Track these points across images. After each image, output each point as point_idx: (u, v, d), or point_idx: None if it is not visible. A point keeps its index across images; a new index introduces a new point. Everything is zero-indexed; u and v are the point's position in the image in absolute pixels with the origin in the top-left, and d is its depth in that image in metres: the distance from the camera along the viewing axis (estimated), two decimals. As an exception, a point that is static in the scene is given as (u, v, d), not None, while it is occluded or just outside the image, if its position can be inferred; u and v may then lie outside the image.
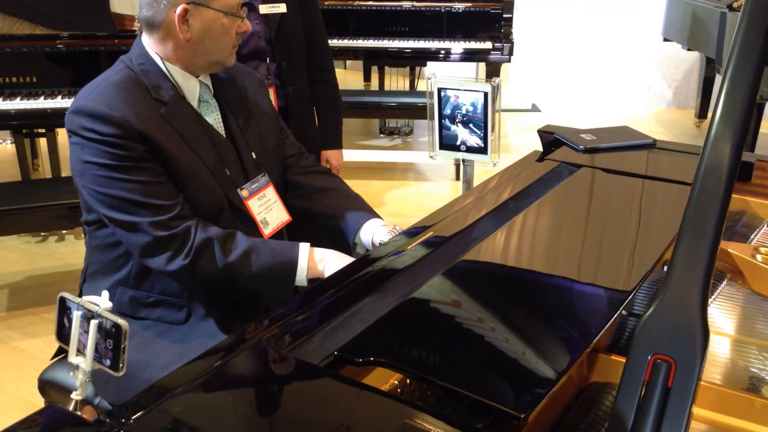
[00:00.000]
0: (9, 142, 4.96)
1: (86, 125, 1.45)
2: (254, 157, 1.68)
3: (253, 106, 1.74)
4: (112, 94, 1.47)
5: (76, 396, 1.01)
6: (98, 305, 1.00)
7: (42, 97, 3.12)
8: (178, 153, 1.51)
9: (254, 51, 2.51)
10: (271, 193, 1.69)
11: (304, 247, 1.55)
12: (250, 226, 1.64)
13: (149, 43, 1.56)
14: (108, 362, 0.99)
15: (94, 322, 0.98)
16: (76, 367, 1.02)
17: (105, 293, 1.02)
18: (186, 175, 1.53)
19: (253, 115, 1.72)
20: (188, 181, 1.53)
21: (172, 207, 1.48)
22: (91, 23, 3.26)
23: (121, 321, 0.97)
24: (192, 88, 1.59)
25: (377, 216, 1.75)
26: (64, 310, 1.03)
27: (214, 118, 1.64)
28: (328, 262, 1.55)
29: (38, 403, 1.78)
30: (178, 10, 1.49)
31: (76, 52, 3.16)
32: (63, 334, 1.03)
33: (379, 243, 1.65)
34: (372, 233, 1.69)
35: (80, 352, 1.01)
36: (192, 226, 1.49)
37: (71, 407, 1.00)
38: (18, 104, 3.07)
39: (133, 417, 0.91)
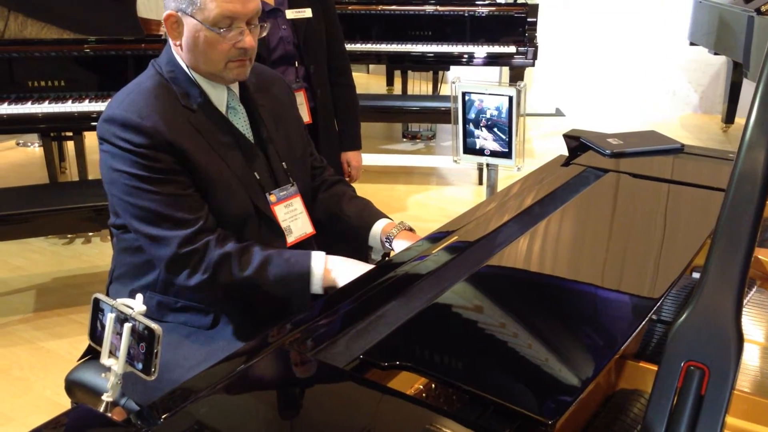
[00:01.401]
0: (37, 145, 5.04)
1: (118, 134, 1.47)
2: (285, 166, 1.69)
3: (282, 113, 1.74)
4: (143, 103, 1.49)
5: (107, 398, 1.02)
6: (132, 308, 1.01)
7: (69, 101, 3.16)
8: (206, 159, 1.52)
9: (283, 56, 2.54)
10: (297, 203, 1.70)
11: (318, 256, 1.53)
12: (276, 232, 1.64)
13: (174, 47, 1.58)
14: (140, 366, 1.00)
15: (127, 325, 0.99)
16: (107, 369, 1.02)
17: (139, 297, 1.03)
18: (213, 181, 1.53)
19: (282, 122, 1.73)
20: (215, 187, 1.54)
21: (196, 221, 1.49)
22: (118, 28, 3.31)
23: (154, 325, 0.98)
24: (219, 94, 1.60)
25: (386, 217, 1.78)
26: (97, 311, 1.03)
27: (242, 124, 1.64)
28: (338, 270, 1.53)
29: (64, 403, 1.80)
30: (165, 14, 1.51)
31: (103, 56, 3.19)
32: (96, 335, 1.04)
33: (386, 238, 1.70)
34: (379, 232, 1.73)
35: (112, 354, 1.02)
36: (211, 240, 1.50)
37: (102, 409, 1.01)
38: (46, 108, 3.12)
39: (161, 418, 0.92)
